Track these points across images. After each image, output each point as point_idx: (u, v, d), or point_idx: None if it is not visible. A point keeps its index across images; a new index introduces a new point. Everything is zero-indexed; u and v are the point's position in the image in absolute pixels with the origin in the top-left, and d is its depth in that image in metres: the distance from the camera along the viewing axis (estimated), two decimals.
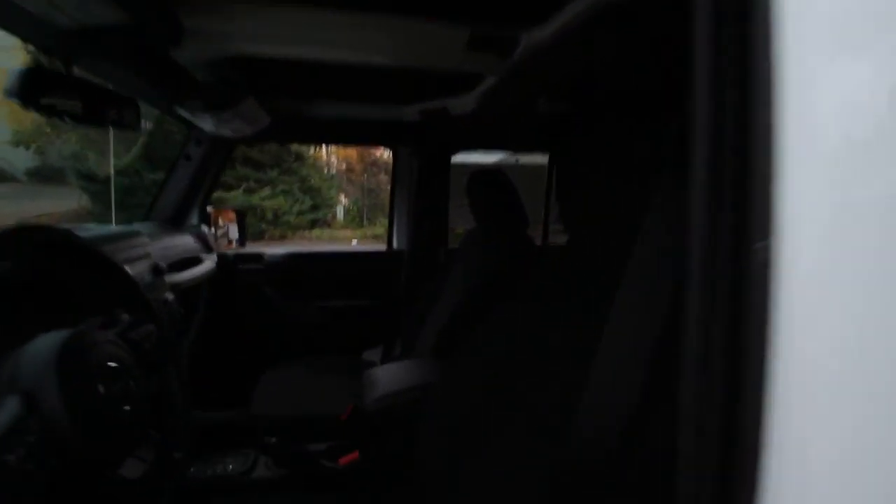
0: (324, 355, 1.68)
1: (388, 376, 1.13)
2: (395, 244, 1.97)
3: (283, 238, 10.04)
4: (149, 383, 0.64)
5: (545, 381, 0.65)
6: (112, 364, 0.59)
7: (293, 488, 1.03)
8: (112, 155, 7.66)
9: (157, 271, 1.03)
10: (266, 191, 9.98)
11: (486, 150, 1.94)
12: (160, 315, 0.75)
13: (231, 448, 1.27)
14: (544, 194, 2.19)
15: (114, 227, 1.02)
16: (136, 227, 1.22)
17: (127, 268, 0.95)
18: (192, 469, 1.05)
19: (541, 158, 2.36)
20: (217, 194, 9.59)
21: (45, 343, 0.53)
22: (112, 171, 7.43)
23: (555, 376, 0.63)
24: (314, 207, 10.73)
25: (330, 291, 1.86)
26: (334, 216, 11.24)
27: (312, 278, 1.84)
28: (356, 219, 11.19)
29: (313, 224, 10.68)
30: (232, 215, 1.92)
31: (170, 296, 1.06)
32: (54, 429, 0.48)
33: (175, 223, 1.56)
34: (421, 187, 1.84)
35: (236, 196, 9.48)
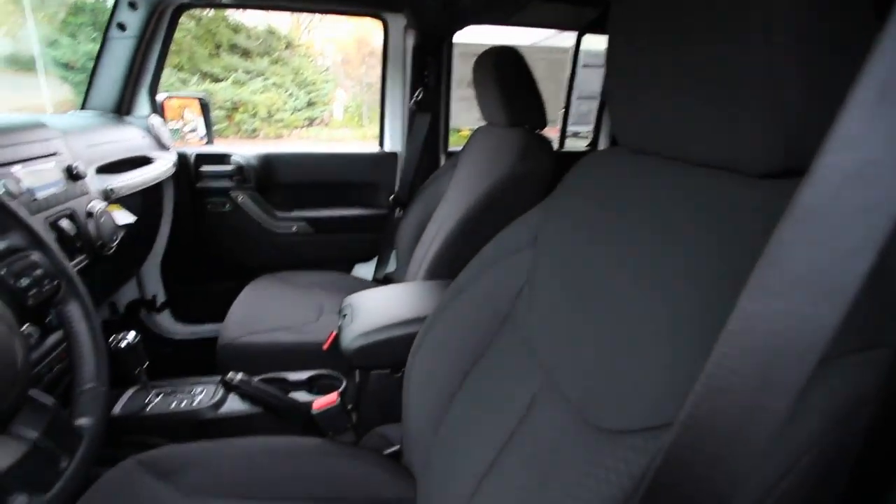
0: (308, 271, 1.52)
1: (370, 306, 0.96)
2: (387, 145, 1.69)
3: (278, 137, 9.55)
4: (24, 341, 0.46)
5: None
6: None
7: (266, 427, 0.92)
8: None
9: (72, 175, 0.80)
10: (257, 83, 9.30)
11: (498, 24, 1.56)
12: (41, 237, 0.54)
13: (206, 371, 1.16)
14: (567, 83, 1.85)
15: (7, 119, 0.77)
16: (50, 118, 0.96)
17: (20, 170, 0.73)
18: (151, 400, 0.93)
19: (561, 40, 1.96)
20: (204, 86, 9.00)
21: None
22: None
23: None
24: (310, 104, 10.06)
25: (313, 199, 1.64)
26: (332, 114, 10.56)
27: (292, 184, 1.61)
28: (356, 117, 10.51)
29: (310, 123, 10.11)
30: (196, 105, 1.62)
31: (97, 205, 0.84)
32: None
33: (118, 114, 1.28)
34: (417, 72, 1.51)
35: (224, 89, 8.84)
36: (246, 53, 9.28)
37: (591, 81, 1.88)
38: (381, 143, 1.70)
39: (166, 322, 1.59)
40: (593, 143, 1.97)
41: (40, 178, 0.73)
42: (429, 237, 1.35)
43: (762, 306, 0.23)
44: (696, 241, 0.41)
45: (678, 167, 0.48)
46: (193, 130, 1.62)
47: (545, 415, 0.54)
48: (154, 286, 1.54)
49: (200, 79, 8.86)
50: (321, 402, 0.82)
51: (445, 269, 1.11)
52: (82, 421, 0.51)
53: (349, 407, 0.90)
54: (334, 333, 1.09)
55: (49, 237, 0.71)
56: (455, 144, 1.75)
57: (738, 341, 0.24)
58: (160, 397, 0.96)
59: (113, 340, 0.87)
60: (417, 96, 1.50)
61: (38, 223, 0.71)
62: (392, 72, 1.59)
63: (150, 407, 0.93)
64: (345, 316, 0.96)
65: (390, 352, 0.88)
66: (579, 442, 0.46)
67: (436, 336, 0.77)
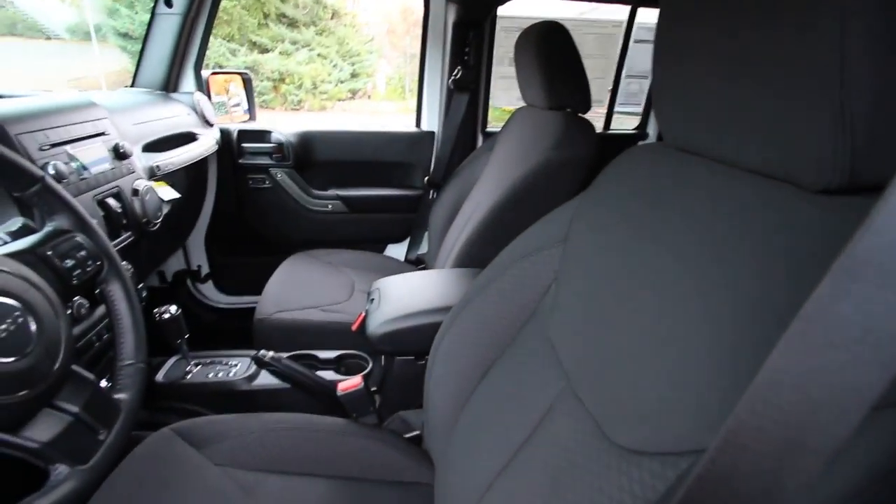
0: (341, 249, 1.54)
1: (397, 293, 0.96)
2: (424, 124, 1.67)
3: (322, 109, 9.67)
4: (68, 319, 0.49)
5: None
6: (2, 300, 0.42)
7: (294, 402, 0.96)
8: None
9: (118, 153, 0.84)
10: (303, 54, 9.40)
11: None
12: (86, 219, 0.56)
13: (244, 339, 1.22)
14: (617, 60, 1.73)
15: (61, 99, 0.80)
16: (99, 96, 1.00)
17: (70, 151, 0.76)
18: (191, 369, 0.99)
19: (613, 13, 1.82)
20: (252, 56, 9.16)
21: None
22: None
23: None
24: (354, 76, 10.08)
25: (349, 178, 1.65)
26: (375, 86, 10.54)
27: (329, 162, 1.62)
28: (399, 90, 10.44)
29: (353, 95, 10.15)
30: (239, 81, 1.65)
31: (142, 183, 0.88)
32: None
33: (164, 91, 1.32)
34: (457, 49, 1.45)
35: (271, 59, 8.99)
36: (293, 23, 9.38)
37: (644, 59, 1.75)
38: (418, 123, 1.67)
39: (209, 291, 1.67)
40: (641, 126, 1.86)
41: (89, 158, 0.76)
42: (461, 222, 1.34)
43: (797, 362, 0.20)
44: (743, 258, 0.38)
45: (727, 172, 0.44)
46: (237, 105, 1.65)
47: (563, 421, 0.52)
48: (199, 257, 1.61)
49: (249, 49, 9.04)
50: (346, 385, 0.83)
51: (475, 257, 1.10)
52: (121, 395, 0.55)
53: (373, 389, 0.92)
54: (362, 315, 1.11)
55: (95, 217, 0.76)
56: (498, 121, 1.70)
57: (769, 394, 0.21)
58: (199, 367, 1.02)
59: (157, 313, 0.92)
60: (456, 74, 1.46)
61: (85, 203, 0.76)
62: (432, 48, 1.54)
63: (189, 376, 0.99)
64: (372, 300, 0.97)
65: (415, 339, 0.88)
66: (595, 456, 0.44)
67: (460, 327, 0.76)
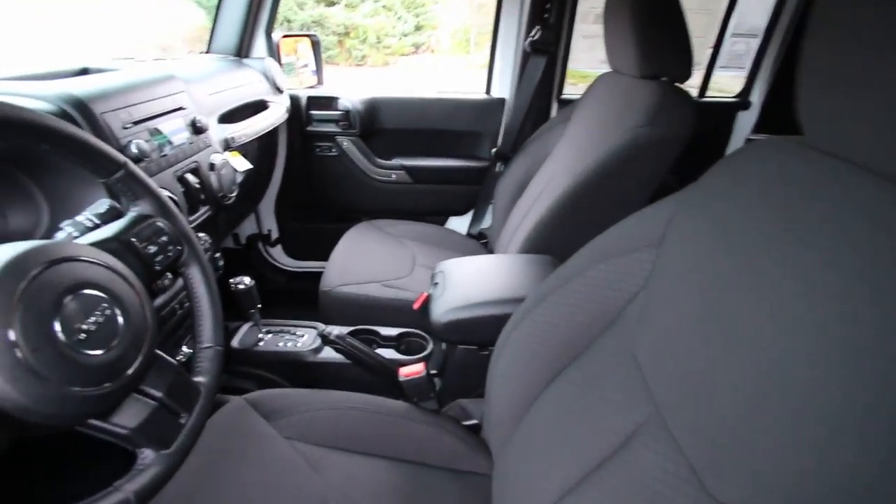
0: (403, 221, 1.52)
1: (463, 278, 0.92)
2: (494, 90, 1.56)
3: (385, 65, 9.55)
4: (152, 307, 0.50)
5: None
6: (88, 292, 0.44)
7: (356, 377, 0.98)
8: None
9: (196, 128, 0.85)
10: (368, 5, 9.23)
11: None
12: (167, 204, 0.57)
13: (309, 301, 1.25)
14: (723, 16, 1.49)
15: (142, 74, 0.81)
16: (177, 66, 1.00)
17: (159, 127, 0.77)
18: (262, 337, 1.04)
19: None
20: (319, 10, 9.13)
21: None
22: None
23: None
24: (417, 28, 9.80)
25: (414, 146, 1.60)
26: (438, 40, 10.19)
27: (395, 130, 1.57)
28: (464, 42, 10.03)
29: (416, 49, 9.91)
30: (308, 43, 1.62)
31: (218, 157, 0.89)
32: None
33: (237, 57, 1.32)
34: (537, 6, 1.31)
35: (336, 13, 8.92)
36: None
37: (754, 13, 1.50)
38: (489, 89, 1.57)
39: (278, 255, 1.74)
40: (743, 93, 1.62)
41: (169, 134, 0.78)
42: (528, 199, 1.26)
43: None
44: None
45: (882, 185, 0.34)
46: (305, 66, 1.63)
47: (649, 456, 0.47)
48: (269, 222, 1.67)
49: (316, 2, 9.00)
50: (408, 371, 0.83)
51: (545, 243, 1.03)
52: (200, 379, 0.57)
53: (432, 373, 0.91)
54: (425, 295, 1.10)
55: (175, 193, 0.78)
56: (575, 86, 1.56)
57: None
58: (269, 336, 1.06)
59: (233, 283, 0.96)
60: (534, 35, 1.33)
61: (166, 179, 0.78)
62: (508, 5, 1.40)
63: (261, 343, 1.04)
64: (436, 284, 0.94)
65: (480, 329, 0.85)
66: None
67: (531, 324, 0.72)
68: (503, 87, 1.51)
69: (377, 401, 0.85)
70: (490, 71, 1.53)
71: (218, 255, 1.01)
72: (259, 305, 1.02)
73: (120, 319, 0.45)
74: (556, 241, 1.02)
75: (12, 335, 0.37)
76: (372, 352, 0.94)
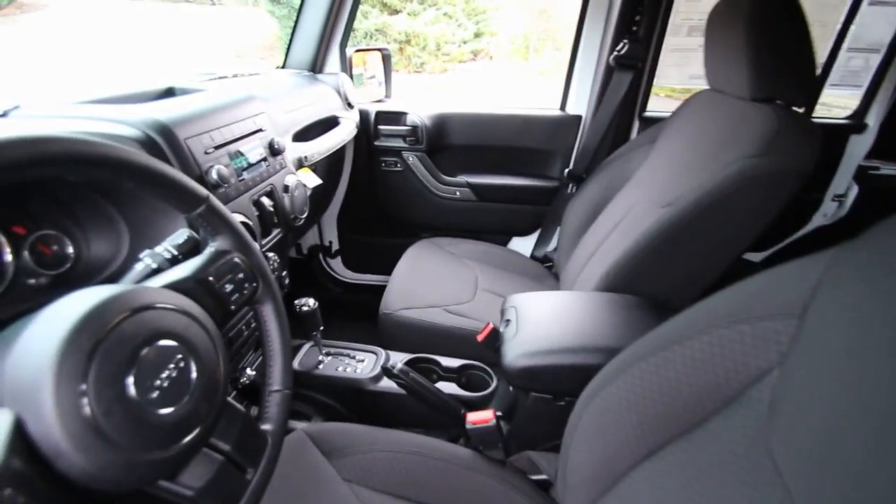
0: (465, 239, 1.46)
1: (539, 317, 0.85)
2: (570, 106, 1.47)
3: (443, 71, 9.64)
4: (226, 352, 0.47)
5: None
6: (164, 343, 0.41)
7: (416, 411, 0.93)
8: None
9: (273, 150, 0.83)
10: (430, 13, 9.38)
11: None
12: (246, 239, 0.54)
13: (366, 313, 1.22)
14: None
15: (224, 96, 0.81)
16: (256, 84, 1.00)
17: (240, 150, 0.76)
18: (322, 360, 1.01)
19: None
20: (382, 18, 9.39)
21: (50, 321, 0.36)
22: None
23: None
24: (477, 35, 9.82)
25: (481, 163, 1.54)
26: (498, 46, 10.15)
27: (462, 146, 1.52)
28: (523, 49, 9.92)
29: (474, 56, 9.94)
30: (377, 57, 1.61)
31: (292, 179, 0.87)
32: (44, 475, 0.33)
33: (312, 73, 1.33)
34: (626, 18, 1.20)
35: (398, 21, 9.13)
36: None
37: (877, 27, 1.30)
38: (563, 105, 1.48)
39: (337, 266, 1.74)
40: (858, 114, 1.42)
41: (248, 157, 0.77)
42: (604, 226, 1.16)
43: None
44: None
45: None
46: (373, 77, 1.62)
47: None
48: (331, 233, 1.67)
49: (380, 10, 9.25)
50: (476, 419, 0.76)
51: (629, 280, 0.92)
52: (267, 427, 0.53)
53: (498, 415, 0.84)
54: (490, 327, 1.03)
55: (251, 219, 0.76)
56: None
57: None
58: (329, 358, 1.04)
59: (298, 304, 0.94)
60: (620, 50, 1.22)
61: (243, 205, 0.77)
62: (592, 16, 1.31)
63: (321, 366, 1.01)
64: (508, 321, 0.87)
65: (557, 378, 0.77)
66: None
67: (625, 385, 0.63)
68: (580, 104, 1.42)
69: (441, 446, 0.79)
70: (567, 86, 1.44)
71: (284, 273, 1.00)
72: (321, 328, 0.99)
73: (193, 371, 0.42)
74: (642, 279, 0.92)
75: (84, 397, 0.34)
76: (436, 389, 0.88)
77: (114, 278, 0.56)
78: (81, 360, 0.35)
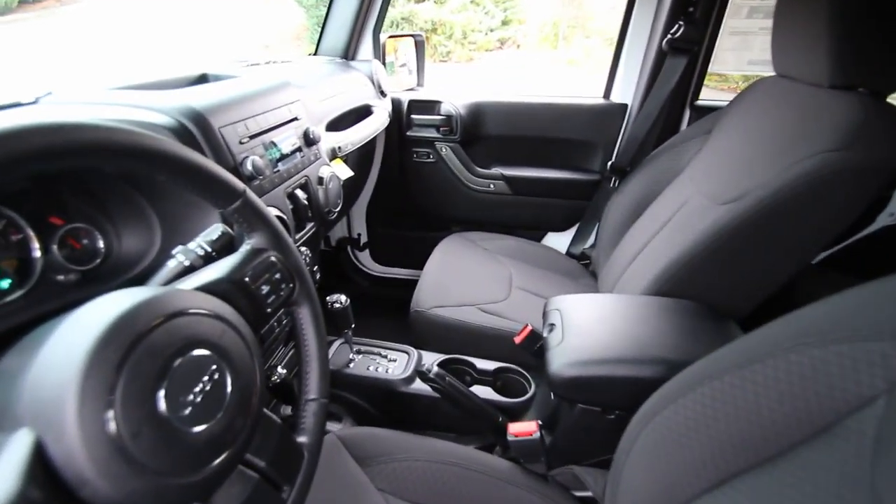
0: (498, 234, 1.40)
1: (586, 324, 0.78)
2: (615, 94, 1.38)
3: (469, 60, 9.49)
4: (261, 359, 0.43)
5: None
6: (198, 353, 0.37)
7: (451, 415, 0.88)
8: None
9: (308, 140, 0.79)
10: (457, 1, 9.23)
11: None
12: (283, 236, 0.50)
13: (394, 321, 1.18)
14: None
15: (259, 82, 0.77)
16: (290, 71, 0.96)
17: (274, 140, 0.73)
18: (353, 358, 0.98)
19: None
20: (409, 7, 9.31)
21: (76, 330, 0.33)
22: None
23: None
24: (504, 23, 9.62)
25: (517, 155, 1.47)
26: (526, 34, 9.92)
27: (498, 136, 1.45)
28: (551, 37, 9.65)
29: (501, 45, 9.74)
30: (410, 43, 1.55)
31: (326, 171, 0.83)
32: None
33: (345, 59, 1.28)
34: None
35: (425, 9, 9.01)
36: None
37: None
38: (608, 93, 1.39)
39: (365, 259, 1.71)
40: None
41: (283, 147, 0.73)
42: (651, 224, 1.08)
43: None
44: None
45: None
46: (404, 65, 1.57)
47: None
48: (359, 226, 1.64)
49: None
50: (519, 431, 0.72)
51: (684, 284, 0.85)
52: (303, 439, 0.50)
53: (538, 424, 0.79)
54: (529, 328, 0.97)
55: (285, 212, 0.72)
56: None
57: None
58: (360, 357, 1.00)
59: (329, 301, 0.91)
60: (675, 32, 1.13)
61: (277, 198, 0.73)
62: None
63: (352, 365, 0.98)
64: (552, 326, 0.81)
65: (609, 390, 0.71)
66: None
67: (694, 405, 0.56)
68: (626, 92, 1.33)
69: (479, 457, 0.74)
70: (612, 73, 1.35)
71: (315, 268, 0.96)
72: (353, 325, 0.96)
73: (229, 382, 0.39)
74: (699, 284, 0.84)
75: (111, 417, 0.31)
76: (472, 395, 0.84)
77: (145, 275, 0.53)
78: (109, 375, 0.31)
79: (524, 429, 0.71)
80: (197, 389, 0.36)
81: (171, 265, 0.49)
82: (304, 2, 8.56)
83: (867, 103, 0.73)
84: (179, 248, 0.51)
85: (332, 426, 0.99)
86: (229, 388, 0.39)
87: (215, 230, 0.54)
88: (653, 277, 0.89)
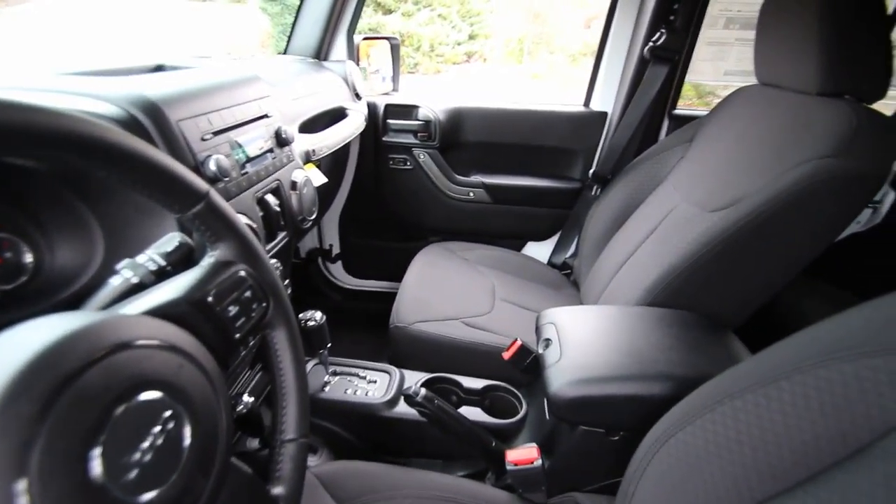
0: (477, 244, 1.35)
1: (585, 338, 0.74)
2: (595, 102, 1.36)
3: (437, 73, 9.56)
4: (228, 399, 0.35)
5: None
6: (145, 397, 0.29)
7: (438, 438, 0.81)
8: None
9: (280, 140, 0.71)
10: (424, 14, 9.32)
11: None
12: (254, 247, 0.42)
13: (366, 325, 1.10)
14: None
15: (224, 74, 0.68)
16: (259, 66, 0.88)
17: (242, 138, 0.64)
18: (329, 380, 0.89)
19: None
20: (376, 18, 9.32)
21: None
22: None
23: None
24: (471, 37, 9.78)
25: (497, 162, 1.43)
26: (492, 49, 10.11)
27: (478, 143, 1.41)
28: (517, 52, 9.88)
29: (468, 58, 9.89)
30: (385, 46, 1.49)
31: (300, 175, 0.75)
32: None
33: (317, 59, 1.21)
34: (663, 7, 1.11)
35: (393, 21, 9.05)
36: None
37: None
38: (588, 101, 1.38)
39: (338, 271, 1.62)
40: None
41: (251, 147, 0.65)
42: (636, 233, 1.05)
43: None
44: None
45: None
46: (377, 71, 1.51)
47: None
48: (331, 236, 1.55)
49: (374, 10, 9.12)
50: (519, 458, 0.65)
51: (678, 295, 0.82)
52: (279, 490, 0.41)
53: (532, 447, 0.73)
54: (518, 343, 0.92)
55: (255, 220, 0.64)
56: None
57: None
58: (337, 379, 0.91)
59: (303, 319, 0.82)
60: (657, 40, 1.12)
61: (245, 203, 0.65)
62: (624, 3, 1.21)
63: (328, 388, 0.89)
64: (548, 342, 0.76)
65: (613, 411, 0.66)
66: None
67: (714, 426, 0.52)
68: (606, 100, 1.32)
69: (473, 489, 0.67)
70: (592, 81, 1.34)
71: (287, 282, 0.87)
72: (329, 345, 0.87)
73: (187, 433, 0.30)
74: (693, 294, 0.82)
75: (23, 491, 0.22)
76: (463, 418, 0.77)
77: (83, 295, 0.43)
78: (23, 433, 0.23)
79: (524, 456, 0.65)
80: (145, 445, 0.28)
81: (115, 283, 0.40)
82: (270, 9, 8.37)
83: (857, 110, 0.73)
84: (126, 262, 0.42)
85: (310, 463, 0.90)
86: (187, 441, 0.30)
87: (171, 240, 0.45)
88: (645, 288, 0.86)
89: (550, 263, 1.46)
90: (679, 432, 0.53)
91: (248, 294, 0.42)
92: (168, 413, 0.30)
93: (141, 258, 0.42)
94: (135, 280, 0.41)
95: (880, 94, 0.77)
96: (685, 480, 0.51)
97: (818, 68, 0.76)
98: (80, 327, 0.28)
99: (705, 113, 1.06)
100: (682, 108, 1.32)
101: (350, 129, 1.05)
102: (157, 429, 0.29)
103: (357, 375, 0.93)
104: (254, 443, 0.76)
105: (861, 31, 0.74)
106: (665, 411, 0.56)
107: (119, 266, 0.41)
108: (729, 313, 0.83)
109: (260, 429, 0.74)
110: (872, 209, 1.44)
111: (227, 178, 0.56)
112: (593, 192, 1.32)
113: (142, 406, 0.28)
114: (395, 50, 1.46)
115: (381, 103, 1.35)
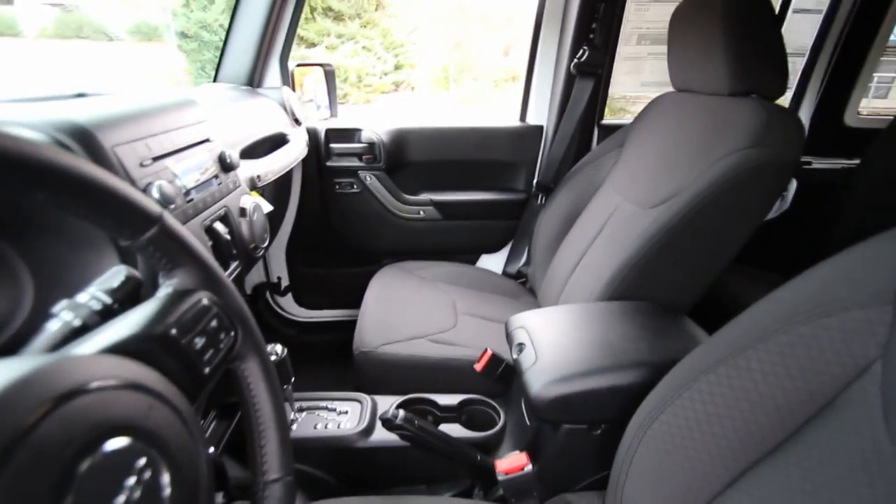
0: (432, 261, 1.35)
1: (556, 338, 0.75)
2: (530, 117, 1.43)
3: (367, 102, 9.64)
4: (204, 440, 0.31)
5: None
6: (113, 446, 0.25)
7: (421, 461, 0.78)
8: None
9: (224, 165, 0.67)
10: (348, 47, 9.43)
11: None
12: (216, 272, 0.39)
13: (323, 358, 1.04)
14: None
15: (159, 97, 0.64)
16: (195, 91, 0.84)
17: (175, 164, 0.60)
18: (296, 417, 0.83)
19: None
20: (300, 52, 9.28)
21: None
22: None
23: None
24: (397, 67, 10.00)
25: (443, 180, 1.45)
26: (419, 78, 10.40)
27: (423, 162, 1.42)
28: (443, 80, 10.22)
29: (396, 87, 10.09)
30: (318, 74, 1.48)
31: (248, 200, 0.71)
32: None
33: (250, 87, 1.17)
34: (582, 26, 1.20)
35: (317, 54, 9.06)
36: (338, 17, 9.47)
37: (802, 32, 1.44)
38: (523, 116, 1.45)
39: (288, 305, 1.53)
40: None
41: (194, 173, 0.60)
42: (584, 235, 1.11)
43: None
44: None
45: None
46: (311, 101, 1.49)
47: None
48: (279, 268, 1.47)
49: (297, 45, 9.09)
50: (509, 467, 0.64)
51: (635, 287, 0.86)
52: None
53: (519, 454, 0.72)
54: (489, 353, 0.92)
55: (212, 257, 0.59)
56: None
57: None
58: (304, 415, 0.85)
59: None
60: (581, 57, 1.21)
61: (193, 232, 0.60)
62: (549, 22, 1.30)
63: (295, 426, 0.83)
64: (521, 346, 0.76)
65: (594, 404, 0.67)
66: None
67: (691, 405, 0.54)
68: (540, 114, 1.39)
69: None
70: (525, 97, 1.41)
71: None
72: (293, 379, 0.82)
73: (165, 480, 0.27)
74: (647, 284, 0.87)
75: None
76: (445, 436, 0.74)
77: (11, 347, 0.37)
78: None
79: (514, 464, 0.64)
80: (121, 500, 0.24)
81: (54, 327, 0.35)
82: (186, 46, 8.05)
83: (766, 106, 0.83)
84: (64, 302, 0.36)
85: None
86: (167, 490, 0.27)
87: (116, 274, 0.40)
88: (603, 284, 0.90)
89: (505, 273, 1.49)
90: (661, 415, 0.55)
91: (213, 323, 0.38)
92: (142, 461, 0.26)
93: (82, 297, 0.37)
94: (77, 322, 0.36)
95: (782, 90, 0.88)
96: (672, 461, 0.52)
97: (727, 72, 0.86)
98: (22, 375, 0.23)
99: (630, 121, 1.15)
100: (609, 119, 1.42)
101: (293, 154, 1.01)
102: (132, 480, 0.25)
103: (326, 409, 0.88)
104: (219, 498, 0.68)
105: (760, 35, 0.85)
106: (643, 398, 0.57)
107: (56, 308, 0.36)
108: (680, 299, 0.88)
109: (224, 480, 0.67)
110: (780, 197, 1.63)
111: (172, 206, 0.52)
112: (539, 201, 1.38)
113: (110, 457, 0.24)
114: (329, 76, 1.45)
115: (322, 128, 1.33)
